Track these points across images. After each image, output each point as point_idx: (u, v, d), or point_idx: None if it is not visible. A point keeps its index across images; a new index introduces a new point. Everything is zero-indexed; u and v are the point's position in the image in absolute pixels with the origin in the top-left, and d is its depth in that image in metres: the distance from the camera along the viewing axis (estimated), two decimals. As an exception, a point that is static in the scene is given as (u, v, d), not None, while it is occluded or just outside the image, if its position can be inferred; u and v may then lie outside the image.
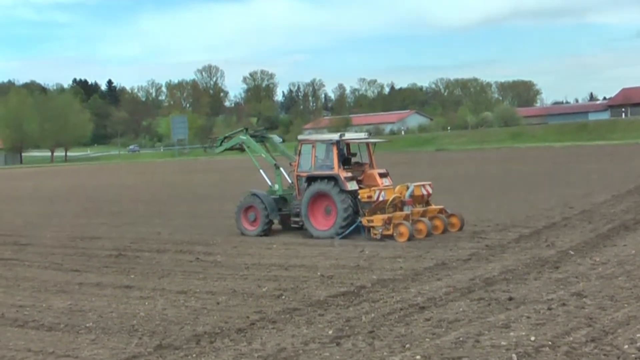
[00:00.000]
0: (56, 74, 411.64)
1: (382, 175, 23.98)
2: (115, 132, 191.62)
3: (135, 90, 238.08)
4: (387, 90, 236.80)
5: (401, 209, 22.83)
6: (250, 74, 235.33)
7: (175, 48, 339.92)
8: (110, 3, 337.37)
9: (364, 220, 22.50)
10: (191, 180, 61.10)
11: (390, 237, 21.87)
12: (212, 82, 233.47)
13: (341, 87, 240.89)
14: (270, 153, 27.13)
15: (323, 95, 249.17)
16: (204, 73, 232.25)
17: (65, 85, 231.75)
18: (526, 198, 31.82)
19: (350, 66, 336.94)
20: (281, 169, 26.06)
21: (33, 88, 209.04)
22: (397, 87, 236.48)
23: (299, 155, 24.45)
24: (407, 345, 11.13)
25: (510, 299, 13.60)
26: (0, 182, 78.57)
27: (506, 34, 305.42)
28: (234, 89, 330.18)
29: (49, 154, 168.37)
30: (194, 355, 11.37)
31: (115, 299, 15.61)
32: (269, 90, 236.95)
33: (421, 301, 13.97)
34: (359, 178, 23.82)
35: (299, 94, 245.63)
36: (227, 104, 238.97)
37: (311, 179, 23.80)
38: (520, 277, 15.70)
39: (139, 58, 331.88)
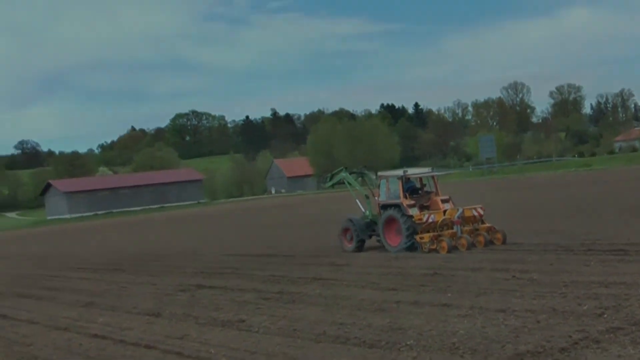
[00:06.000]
0: (364, 100, 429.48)
1: (444, 201, 29.08)
2: (424, 153, 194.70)
3: (442, 111, 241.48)
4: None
5: (451, 228, 27.80)
6: (557, 88, 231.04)
7: (480, 67, 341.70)
8: (413, 29, 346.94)
9: (417, 238, 27.71)
10: (506, 199, 60.42)
11: (435, 250, 26.85)
12: (517, 99, 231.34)
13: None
14: (368, 185, 32.75)
15: (632, 105, 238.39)
16: (509, 90, 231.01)
17: (373, 111, 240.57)
18: None
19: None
20: (376, 198, 30.64)
21: (342, 115, 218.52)
22: None
23: (379, 187, 30.24)
24: None
25: None
26: (310, 206, 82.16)
27: None
28: (541, 104, 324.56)
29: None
30: (517, 374, 11.08)
31: (434, 317, 15.60)
32: (576, 103, 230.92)
33: None
34: (426, 204, 29.24)
35: (608, 105, 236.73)
36: (534, 119, 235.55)
37: (385, 206, 29.38)
38: None
39: (444, 80, 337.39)
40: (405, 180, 29.36)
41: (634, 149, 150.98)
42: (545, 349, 12.24)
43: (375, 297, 18.96)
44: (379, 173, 31.47)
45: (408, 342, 13.58)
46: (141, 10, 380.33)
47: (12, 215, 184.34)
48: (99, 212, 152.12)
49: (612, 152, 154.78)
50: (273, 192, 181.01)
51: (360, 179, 33.37)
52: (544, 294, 17.06)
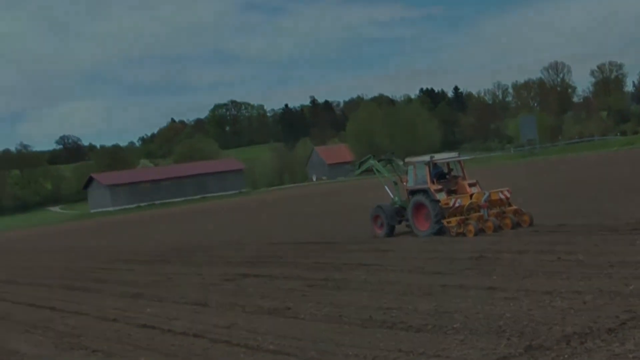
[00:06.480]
0: (403, 86, 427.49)
1: (471, 185, 29.60)
2: (464, 137, 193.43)
3: (482, 94, 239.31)
4: None
5: (478, 211, 28.05)
6: (598, 67, 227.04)
7: (520, 48, 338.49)
8: (451, 12, 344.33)
9: (444, 222, 28.22)
10: (548, 180, 59.99)
11: (462, 234, 27.28)
12: (558, 79, 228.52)
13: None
14: (396, 172, 33.15)
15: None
16: (550, 71, 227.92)
17: (412, 96, 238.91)
18: None
19: None
20: (404, 184, 31.37)
21: (381, 101, 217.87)
22: None
23: (407, 174, 30.82)
24: None
25: None
26: (352, 192, 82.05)
27: None
28: (582, 83, 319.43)
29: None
30: (566, 356, 11.01)
31: (480, 300, 15.55)
32: (618, 81, 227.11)
33: None
34: (454, 188, 29.67)
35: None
36: (575, 99, 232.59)
37: (413, 192, 29.84)
38: None
39: (484, 62, 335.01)
40: (432, 166, 29.87)
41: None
42: (592, 330, 12.18)
43: (421, 281, 18.96)
44: (406, 159, 32.18)
45: (455, 326, 13.58)
46: (179, 1, 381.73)
47: (55, 209, 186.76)
48: (142, 204, 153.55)
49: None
50: (314, 179, 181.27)
51: (388, 165, 34.00)
52: (590, 275, 16.93)
